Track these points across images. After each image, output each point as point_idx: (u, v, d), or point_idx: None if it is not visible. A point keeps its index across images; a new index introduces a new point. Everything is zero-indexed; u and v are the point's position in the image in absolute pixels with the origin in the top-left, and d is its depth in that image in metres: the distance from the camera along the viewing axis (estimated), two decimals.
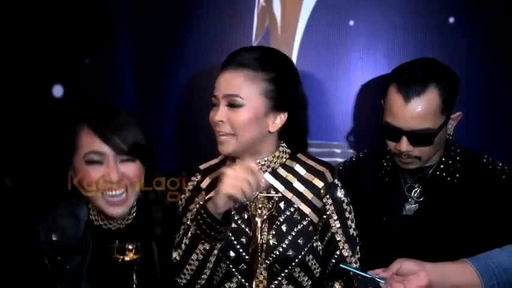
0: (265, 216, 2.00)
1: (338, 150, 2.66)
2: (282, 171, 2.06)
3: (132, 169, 1.94)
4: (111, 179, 1.88)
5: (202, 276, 1.94)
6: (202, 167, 2.15)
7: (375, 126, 2.60)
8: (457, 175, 2.20)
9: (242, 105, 1.94)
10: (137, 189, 1.96)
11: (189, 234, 1.90)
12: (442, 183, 2.21)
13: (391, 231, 2.22)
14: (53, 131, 2.61)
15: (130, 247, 1.92)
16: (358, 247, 2.10)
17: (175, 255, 1.94)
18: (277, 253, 1.99)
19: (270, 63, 1.99)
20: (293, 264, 2.00)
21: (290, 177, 2.06)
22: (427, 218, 2.20)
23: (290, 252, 1.99)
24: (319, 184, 2.05)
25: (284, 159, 2.08)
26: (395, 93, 2.10)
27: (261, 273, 2.00)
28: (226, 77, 1.97)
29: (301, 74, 2.61)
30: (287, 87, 2.02)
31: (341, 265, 1.88)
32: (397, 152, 2.16)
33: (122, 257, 1.91)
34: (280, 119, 2.02)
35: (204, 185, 2.09)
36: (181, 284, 1.96)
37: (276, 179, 2.05)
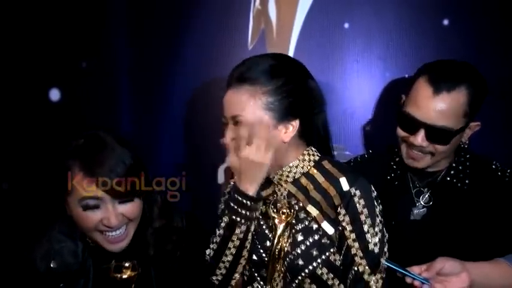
0: (284, 223, 1.97)
1: (334, 153, 2.65)
2: (303, 180, 1.98)
3: (130, 208, 1.88)
4: (111, 224, 1.83)
5: (237, 269, 1.96)
6: None
7: (371, 127, 2.63)
8: (467, 181, 2.19)
9: (241, 121, 1.90)
10: (137, 222, 1.92)
11: (223, 224, 1.92)
12: (452, 188, 2.19)
13: (399, 236, 2.14)
14: (51, 134, 2.61)
15: (127, 265, 1.89)
16: (381, 265, 1.93)
17: (208, 252, 1.98)
18: (288, 261, 1.95)
19: (268, 74, 1.91)
20: (302, 274, 1.94)
21: (309, 186, 1.97)
22: (435, 223, 2.19)
23: (300, 262, 1.93)
24: (332, 192, 1.94)
25: (307, 168, 1.99)
26: (425, 84, 2.06)
27: (280, 281, 1.98)
28: (230, 96, 1.91)
29: None
30: (291, 95, 1.92)
31: (384, 262, 1.84)
32: (409, 143, 2.13)
33: (119, 275, 1.88)
34: (292, 127, 1.92)
35: None
36: (216, 283, 1.98)
37: (298, 189, 1.98)
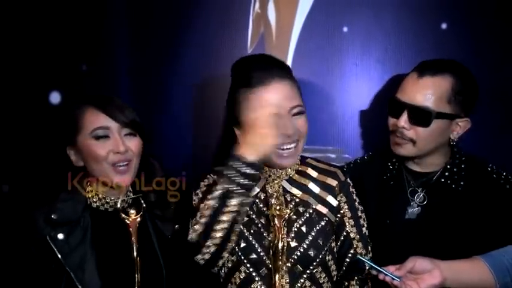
0: (286, 217, 2.03)
1: (333, 155, 2.68)
2: (296, 177, 2.13)
3: (134, 143, 2.07)
4: (120, 150, 2.01)
5: (227, 248, 1.92)
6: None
7: (370, 130, 2.65)
8: (462, 183, 2.23)
9: (304, 111, 2.03)
10: (137, 163, 2.09)
11: (215, 196, 1.86)
12: (447, 189, 2.24)
13: (393, 234, 2.25)
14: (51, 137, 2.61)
15: (132, 211, 2.10)
16: (369, 246, 2.16)
17: (193, 231, 1.92)
18: (299, 253, 2.03)
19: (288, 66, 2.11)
20: (314, 263, 2.05)
21: (305, 181, 2.13)
22: (429, 223, 2.23)
23: (311, 252, 2.04)
24: (333, 183, 2.13)
25: (297, 166, 2.15)
26: (413, 72, 2.22)
27: (282, 277, 2.01)
28: (278, 91, 1.98)
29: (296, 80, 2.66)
30: None
31: (358, 256, 1.93)
32: (394, 128, 2.21)
33: (124, 216, 2.09)
34: None
35: None
36: (201, 262, 1.94)
37: (292, 185, 2.11)
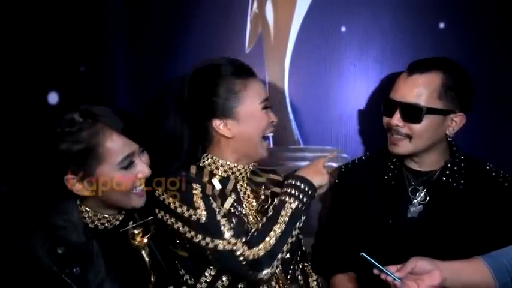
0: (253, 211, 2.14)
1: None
2: (252, 176, 2.25)
3: (146, 158, 1.95)
4: (146, 174, 1.91)
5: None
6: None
7: (368, 130, 2.64)
8: (462, 181, 2.25)
9: None
10: None
11: (286, 213, 2.01)
12: (448, 188, 2.25)
13: (396, 233, 2.26)
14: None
15: (136, 231, 1.89)
16: None
17: (261, 247, 1.97)
18: None
19: None
20: (297, 250, 2.17)
21: (260, 179, 2.27)
22: (432, 221, 2.25)
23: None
24: (278, 177, 2.32)
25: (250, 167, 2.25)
26: (404, 72, 2.25)
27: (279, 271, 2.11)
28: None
29: (294, 80, 2.66)
30: None
31: (362, 254, 1.89)
32: (389, 126, 2.24)
33: (133, 241, 1.89)
34: None
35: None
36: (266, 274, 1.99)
37: (253, 183, 2.23)
